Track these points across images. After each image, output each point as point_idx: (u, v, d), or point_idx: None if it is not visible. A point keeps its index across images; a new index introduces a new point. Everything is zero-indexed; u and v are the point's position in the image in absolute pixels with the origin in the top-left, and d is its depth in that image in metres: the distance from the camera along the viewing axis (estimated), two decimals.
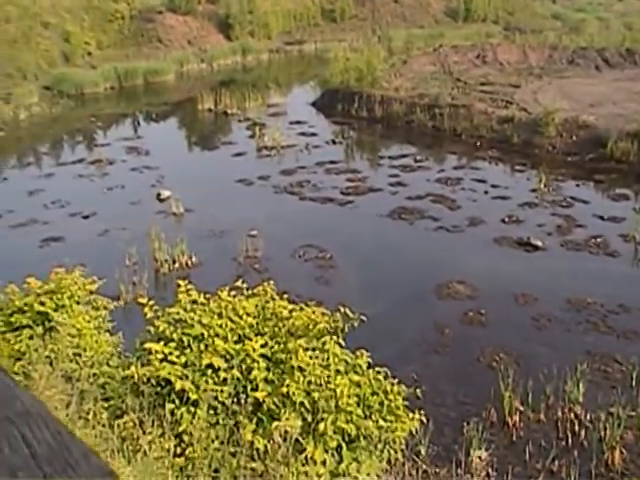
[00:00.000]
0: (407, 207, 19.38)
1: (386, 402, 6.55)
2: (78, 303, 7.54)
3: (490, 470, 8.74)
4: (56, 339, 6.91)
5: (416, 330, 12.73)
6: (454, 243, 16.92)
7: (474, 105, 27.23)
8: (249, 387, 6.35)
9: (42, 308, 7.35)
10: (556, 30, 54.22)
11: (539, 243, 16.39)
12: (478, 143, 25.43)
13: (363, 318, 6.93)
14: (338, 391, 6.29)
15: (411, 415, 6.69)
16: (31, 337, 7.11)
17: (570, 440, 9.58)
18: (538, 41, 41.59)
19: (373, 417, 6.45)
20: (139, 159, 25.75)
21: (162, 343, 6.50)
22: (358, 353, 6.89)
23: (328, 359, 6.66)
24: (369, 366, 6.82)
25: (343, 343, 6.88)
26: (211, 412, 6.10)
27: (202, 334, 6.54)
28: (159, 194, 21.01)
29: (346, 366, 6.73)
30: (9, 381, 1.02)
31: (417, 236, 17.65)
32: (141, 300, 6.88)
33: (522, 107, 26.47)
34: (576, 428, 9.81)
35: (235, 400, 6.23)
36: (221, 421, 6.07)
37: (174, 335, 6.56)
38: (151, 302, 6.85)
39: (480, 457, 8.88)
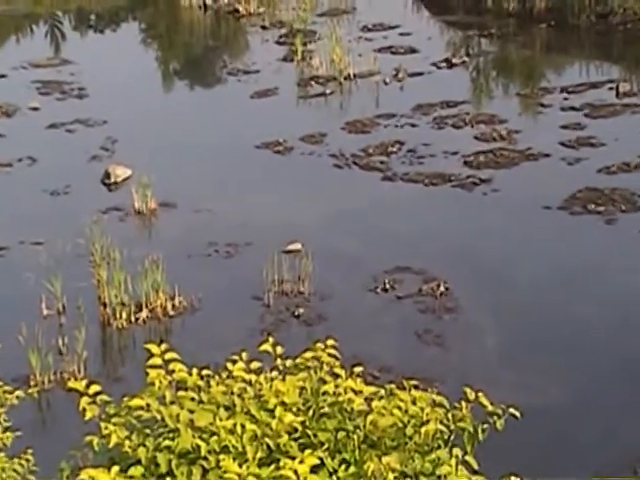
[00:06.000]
0: (601, 189, 12.62)
1: None
2: None
3: None
4: None
5: (628, 443, 8.11)
6: None
7: None
8: None
9: None
10: None
11: None
12: None
13: (515, 413, 4.23)
14: None
15: None
16: None
17: None
18: None
19: None
20: (66, 105, 17.43)
21: (116, 468, 4.19)
22: None
23: None
24: None
25: (476, 464, 4.12)
26: None
27: (196, 448, 4.28)
28: (108, 174, 13.99)
29: None
30: None
31: (622, 248, 11.49)
32: (74, 384, 4.27)
33: None
34: None
35: None
36: None
37: (140, 452, 4.32)
38: (94, 387, 4.22)
39: None
